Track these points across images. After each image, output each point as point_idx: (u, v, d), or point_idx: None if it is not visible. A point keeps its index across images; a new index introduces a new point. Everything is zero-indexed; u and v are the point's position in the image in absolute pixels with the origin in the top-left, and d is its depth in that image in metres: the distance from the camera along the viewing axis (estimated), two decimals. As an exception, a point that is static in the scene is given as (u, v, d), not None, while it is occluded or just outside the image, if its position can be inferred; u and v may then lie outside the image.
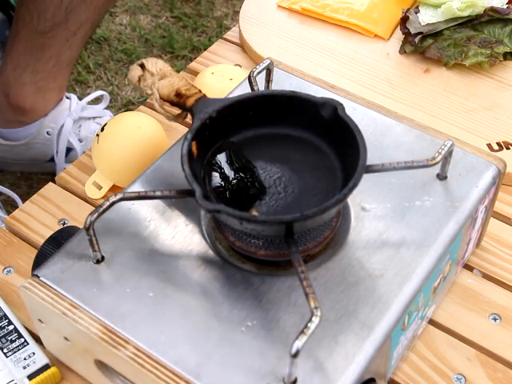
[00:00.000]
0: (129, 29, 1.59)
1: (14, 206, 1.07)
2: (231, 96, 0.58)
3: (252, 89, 0.64)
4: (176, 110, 0.60)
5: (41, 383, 0.59)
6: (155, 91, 0.58)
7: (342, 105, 0.55)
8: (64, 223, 0.75)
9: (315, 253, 0.56)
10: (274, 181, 0.55)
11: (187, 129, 0.82)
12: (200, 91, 0.58)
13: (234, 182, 0.55)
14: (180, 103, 0.58)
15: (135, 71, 0.60)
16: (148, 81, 0.59)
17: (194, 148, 0.54)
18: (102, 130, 0.76)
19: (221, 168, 0.56)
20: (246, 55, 0.97)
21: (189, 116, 0.58)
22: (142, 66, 0.58)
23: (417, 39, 0.92)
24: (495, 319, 0.66)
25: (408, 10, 0.95)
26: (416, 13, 0.94)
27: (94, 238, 0.54)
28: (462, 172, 0.62)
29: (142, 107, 0.89)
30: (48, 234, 0.63)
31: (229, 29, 1.06)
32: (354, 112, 0.68)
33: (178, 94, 0.58)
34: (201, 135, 0.55)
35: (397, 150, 0.64)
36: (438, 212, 0.59)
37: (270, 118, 0.58)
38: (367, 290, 0.54)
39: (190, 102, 0.57)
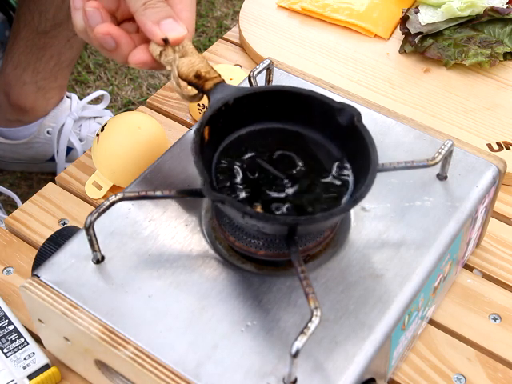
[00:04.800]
0: (129, 28, 1.59)
1: (14, 206, 1.07)
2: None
3: (252, 89, 0.64)
4: (193, 90, 0.59)
5: (41, 383, 0.59)
6: (174, 68, 0.57)
7: (359, 113, 0.53)
8: (64, 223, 0.75)
9: (315, 253, 0.56)
10: (282, 179, 0.55)
11: (187, 129, 0.82)
12: (219, 76, 0.57)
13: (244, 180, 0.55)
14: (198, 84, 0.56)
15: (158, 45, 0.58)
16: (169, 57, 0.58)
17: (206, 133, 0.53)
18: (102, 129, 0.76)
19: (233, 163, 0.55)
20: (246, 55, 0.97)
21: (189, 115, 0.58)
22: (166, 42, 0.57)
23: (417, 39, 0.92)
24: (495, 319, 0.66)
25: (408, 9, 0.95)
26: (416, 13, 0.94)
27: (93, 238, 0.54)
28: (461, 172, 0.62)
29: (142, 107, 0.89)
30: (48, 234, 0.63)
31: (229, 29, 1.06)
32: (354, 112, 0.68)
33: (198, 76, 0.56)
34: (214, 121, 0.54)
35: (397, 150, 0.64)
36: (438, 212, 0.59)
37: (286, 113, 0.57)
38: (367, 290, 0.54)
39: (208, 85, 0.56)
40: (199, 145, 0.51)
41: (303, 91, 0.56)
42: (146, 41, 0.60)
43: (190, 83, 0.57)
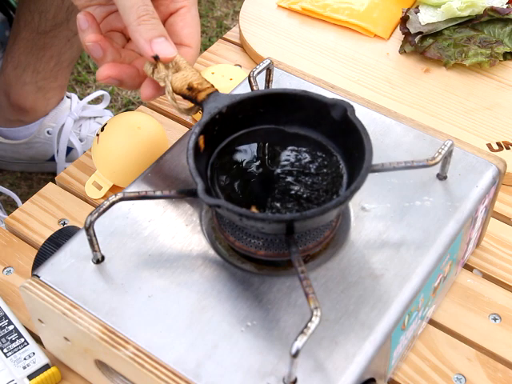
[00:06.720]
0: (129, 28, 1.59)
1: (14, 206, 1.08)
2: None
3: (252, 89, 0.64)
4: (190, 104, 0.60)
5: (41, 383, 0.59)
6: (168, 84, 0.58)
7: (352, 106, 0.54)
8: (64, 223, 0.75)
9: (315, 253, 0.56)
10: (279, 179, 0.55)
11: (187, 129, 0.83)
12: (212, 86, 0.58)
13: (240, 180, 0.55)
14: (191, 97, 0.57)
15: (150, 63, 0.60)
16: (161, 73, 0.59)
17: (201, 142, 0.53)
18: (102, 129, 0.76)
19: (229, 166, 0.56)
20: (246, 55, 0.97)
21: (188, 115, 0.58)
22: (156, 58, 0.58)
23: (417, 39, 0.92)
24: (495, 319, 0.66)
25: (408, 9, 0.95)
26: (416, 13, 0.94)
27: (94, 238, 0.54)
28: (462, 172, 0.62)
29: (142, 107, 0.89)
30: (48, 233, 0.63)
31: (229, 29, 1.06)
32: (354, 112, 0.68)
33: (190, 88, 0.57)
34: (209, 130, 0.54)
35: (397, 150, 0.64)
36: (438, 212, 0.59)
37: (280, 115, 0.58)
38: (367, 290, 0.54)
39: (201, 96, 0.57)
40: (194, 153, 0.52)
41: (296, 92, 0.57)
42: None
43: (184, 97, 0.58)
